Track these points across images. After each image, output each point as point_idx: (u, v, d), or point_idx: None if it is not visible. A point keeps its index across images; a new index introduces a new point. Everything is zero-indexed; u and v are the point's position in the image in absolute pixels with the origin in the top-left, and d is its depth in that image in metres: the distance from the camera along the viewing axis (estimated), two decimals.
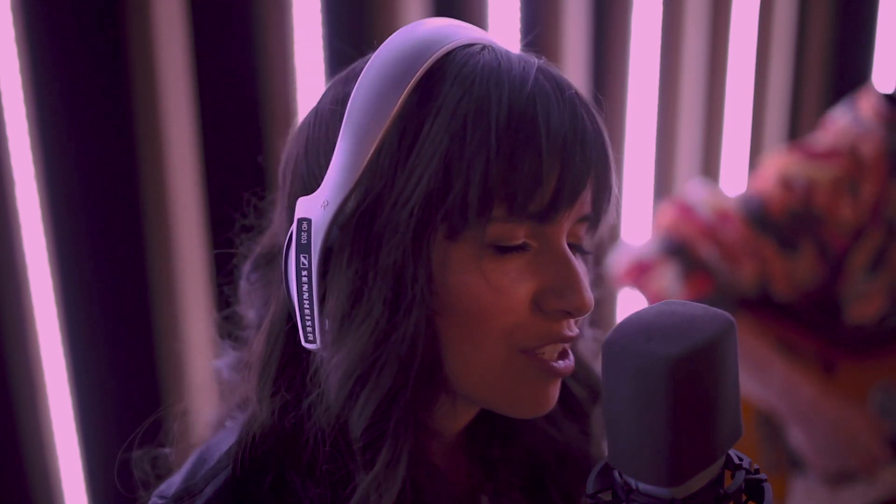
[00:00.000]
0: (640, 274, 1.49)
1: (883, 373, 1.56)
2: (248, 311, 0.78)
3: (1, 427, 1.46)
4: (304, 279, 0.66)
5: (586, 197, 0.67)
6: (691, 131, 2.39)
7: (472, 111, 0.63)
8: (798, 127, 2.68)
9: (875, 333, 1.55)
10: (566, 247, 0.67)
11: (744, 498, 0.56)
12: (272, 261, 0.75)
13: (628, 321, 0.55)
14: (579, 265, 0.69)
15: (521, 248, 0.65)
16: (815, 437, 1.46)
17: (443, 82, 0.64)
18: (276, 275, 0.73)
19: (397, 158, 0.63)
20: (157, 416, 0.78)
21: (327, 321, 0.66)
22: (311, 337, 0.67)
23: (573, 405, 0.79)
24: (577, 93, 0.66)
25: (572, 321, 0.68)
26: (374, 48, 0.70)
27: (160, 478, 0.77)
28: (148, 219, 1.53)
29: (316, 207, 0.65)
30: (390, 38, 0.67)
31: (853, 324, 1.53)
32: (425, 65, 0.64)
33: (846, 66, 2.69)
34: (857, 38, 2.68)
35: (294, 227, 0.66)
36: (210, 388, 1.59)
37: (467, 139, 0.62)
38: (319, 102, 0.71)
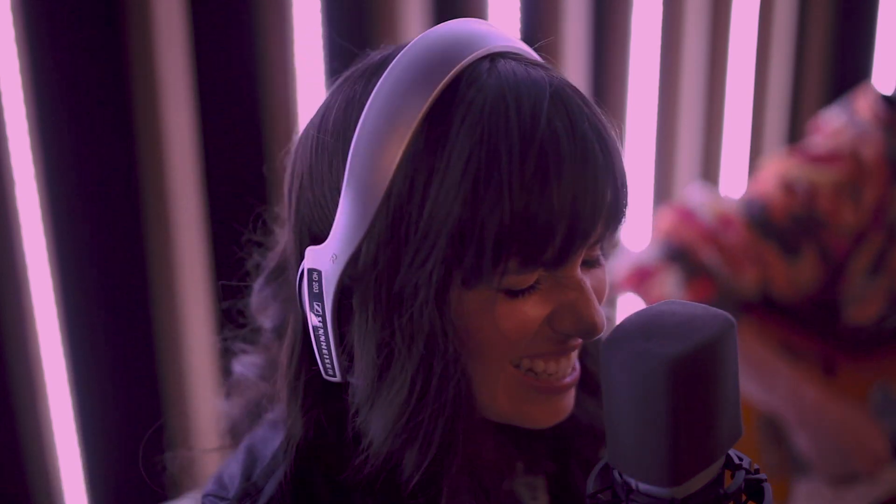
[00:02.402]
0: (641, 280, 1.49)
1: (883, 374, 1.56)
2: (264, 321, 0.77)
3: (1, 427, 1.46)
4: (319, 325, 0.66)
5: (598, 229, 0.65)
6: (691, 132, 2.39)
7: (483, 168, 0.60)
8: (798, 128, 2.68)
9: (875, 335, 1.55)
10: (579, 277, 0.66)
11: (744, 498, 0.56)
12: (281, 275, 0.74)
13: (628, 321, 0.55)
14: (596, 278, 0.69)
15: (533, 287, 0.65)
16: (821, 441, 1.46)
17: (450, 126, 0.61)
18: (289, 290, 0.72)
19: (408, 215, 0.61)
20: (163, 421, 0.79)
21: (359, 373, 0.66)
22: (331, 372, 0.67)
23: (588, 380, 0.80)
24: (589, 120, 0.64)
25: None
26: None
27: (192, 475, 0.77)
28: (148, 219, 1.53)
29: (325, 259, 0.64)
30: (390, 68, 0.64)
31: (853, 326, 1.53)
32: (427, 104, 0.61)
33: (846, 66, 2.69)
34: (857, 38, 2.68)
35: (305, 274, 0.65)
36: (210, 389, 1.59)
37: (479, 201, 0.60)
38: (320, 126, 0.67)
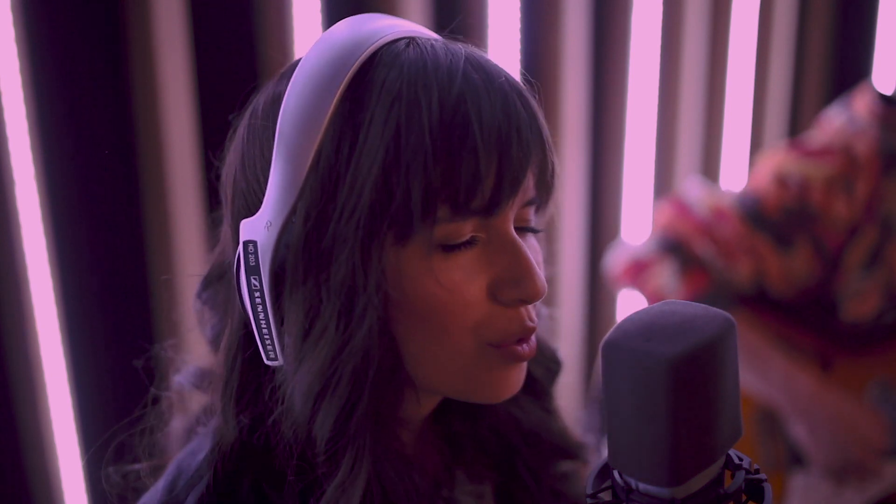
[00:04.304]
0: (637, 272, 1.50)
1: (880, 368, 1.56)
2: (204, 328, 0.78)
3: (1, 427, 1.46)
4: (258, 300, 0.66)
5: (528, 183, 0.67)
6: (691, 131, 2.39)
7: (404, 117, 0.62)
8: (798, 127, 2.69)
9: (872, 330, 1.56)
10: (514, 235, 0.67)
11: (744, 498, 0.56)
12: (222, 277, 0.74)
13: (628, 321, 0.55)
14: (532, 247, 0.70)
15: (469, 243, 0.66)
16: (816, 431, 1.47)
17: (371, 89, 0.64)
18: (227, 292, 0.73)
19: (336, 171, 0.63)
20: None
21: (287, 339, 0.66)
22: (272, 354, 0.67)
23: (533, 385, 0.81)
24: (507, 79, 0.66)
25: (531, 310, 0.69)
26: None
27: (137, 491, 0.77)
28: (148, 218, 1.53)
29: (260, 228, 0.65)
30: (314, 44, 0.67)
31: (850, 321, 1.54)
32: (351, 70, 0.64)
33: (846, 66, 2.69)
34: (857, 38, 2.68)
35: (241, 249, 0.66)
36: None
37: (402, 145, 0.62)
38: (251, 114, 0.70)
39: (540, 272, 0.67)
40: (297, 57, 0.67)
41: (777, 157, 1.52)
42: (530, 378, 0.79)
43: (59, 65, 1.41)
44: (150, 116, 1.48)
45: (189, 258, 1.54)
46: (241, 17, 1.58)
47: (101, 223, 1.50)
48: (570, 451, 0.84)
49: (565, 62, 2.01)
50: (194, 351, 0.82)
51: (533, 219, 0.71)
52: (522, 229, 0.70)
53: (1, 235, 1.39)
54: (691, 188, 1.57)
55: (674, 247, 1.47)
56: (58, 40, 1.41)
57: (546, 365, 0.82)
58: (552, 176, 0.70)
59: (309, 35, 1.62)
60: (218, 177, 0.75)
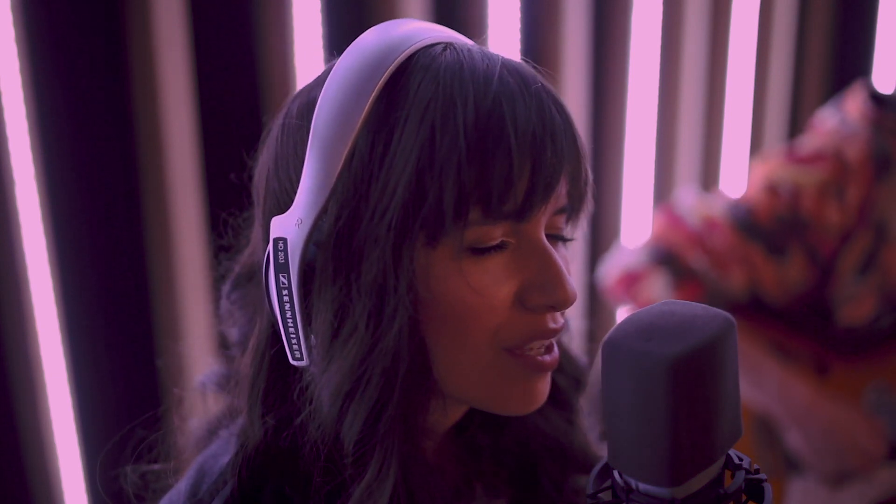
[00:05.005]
0: (629, 284, 1.49)
1: (876, 373, 1.56)
2: (231, 329, 0.78)
3: (1, 427, 1.46)
4: (286, 298, 0.65)
5: (561, 190, 0.67)
6: (691, 131, 2.39)
7: (439, 117, 0.62)
8: (798, 128, 2.69)
9: (867, 334, 1.55)
10: (545, 241, 0.67)
11: (744, 498, 0.56)
12: (252, 278, 0.74)
13: (628, 321, 0.55)
14: (561, 254, 0.69)
15: (500, 247, 0.65)
16: (813, 440, 1.46)
17: (407, 89, 0.64)
18: (257, 293, 0.72)
19: (369, 171, 0.63)
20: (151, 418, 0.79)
21: (315, 339, 0.65)
22: (297, 354, 0.66)
23: (558, 395, 0.80)
24: (543, 85, 0.66)
25: (558, 318, 0.69)
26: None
27: (155, 492, 0.77)
28: (148, 218, 1.53)
29: (290, 226, 0.64)
30: (351, 46, 0.66)
31: (845, 326, 1.53)
32: (388, 72, 0.64)
33: (846, 66, 2.69)
34: (857, 38, 2.68)
35: (270, 246, 0.65)
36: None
37: (437, 146, 0.62)
38: (286, 115, 0.70)
39: (570, 279, 0.67)
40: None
41: (768, 165, 1.51)
42: (555, 387, 0.78)
43: (59, 65, 1.41)
44: (150, 116, 1.48)
45: (189, 258, 1.54)
46: (241, 17, 1.58)
47: (101, 223, 1.50)
48: (590, 465, 0.82)
49: (565, 62, 2.01)
50: (197, 350, 0.82)
51: (564, 227, 0.71)
52: (553, 237, 0.69)
53: (1, 235, 1.39)
54: (683, 198, 1.57)
55: (666, 258, 1.47)
56: (58, 40, 1.41)
57: (573, 376, 0.81)
58: (585, 184, 0.69)
59: (309, 35, 1.62)
60: (250, 178, 0.75)
